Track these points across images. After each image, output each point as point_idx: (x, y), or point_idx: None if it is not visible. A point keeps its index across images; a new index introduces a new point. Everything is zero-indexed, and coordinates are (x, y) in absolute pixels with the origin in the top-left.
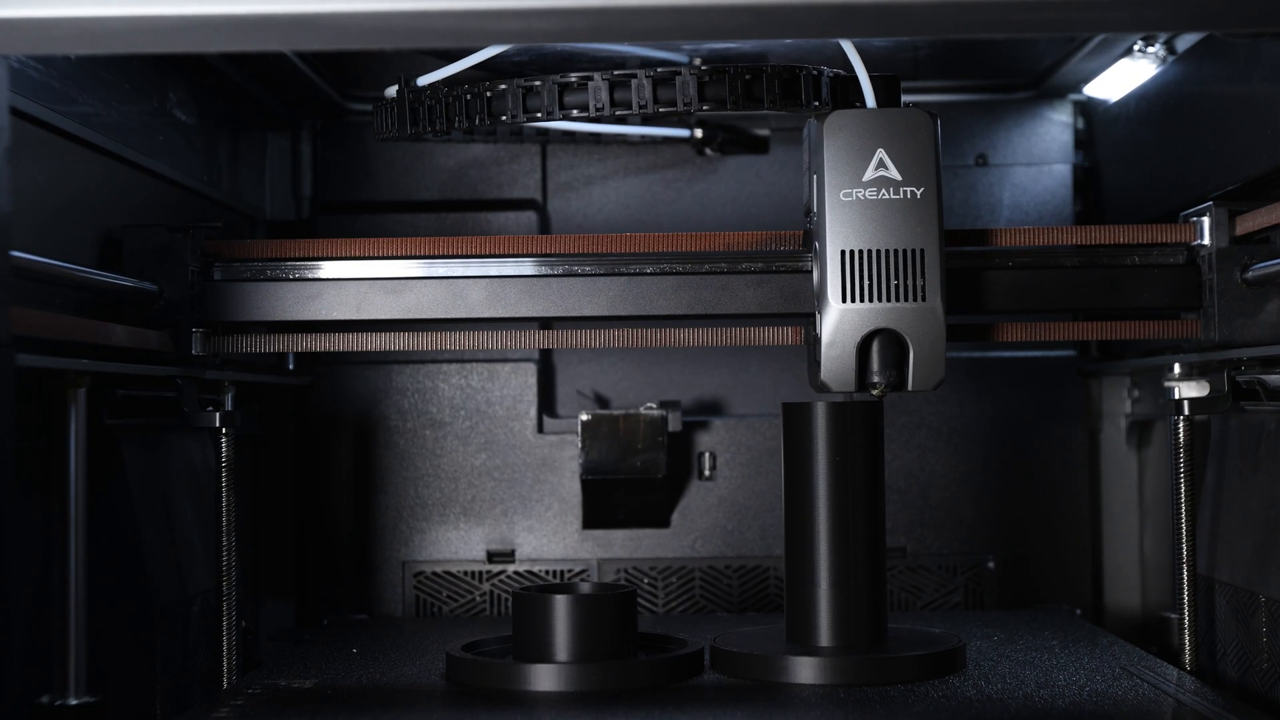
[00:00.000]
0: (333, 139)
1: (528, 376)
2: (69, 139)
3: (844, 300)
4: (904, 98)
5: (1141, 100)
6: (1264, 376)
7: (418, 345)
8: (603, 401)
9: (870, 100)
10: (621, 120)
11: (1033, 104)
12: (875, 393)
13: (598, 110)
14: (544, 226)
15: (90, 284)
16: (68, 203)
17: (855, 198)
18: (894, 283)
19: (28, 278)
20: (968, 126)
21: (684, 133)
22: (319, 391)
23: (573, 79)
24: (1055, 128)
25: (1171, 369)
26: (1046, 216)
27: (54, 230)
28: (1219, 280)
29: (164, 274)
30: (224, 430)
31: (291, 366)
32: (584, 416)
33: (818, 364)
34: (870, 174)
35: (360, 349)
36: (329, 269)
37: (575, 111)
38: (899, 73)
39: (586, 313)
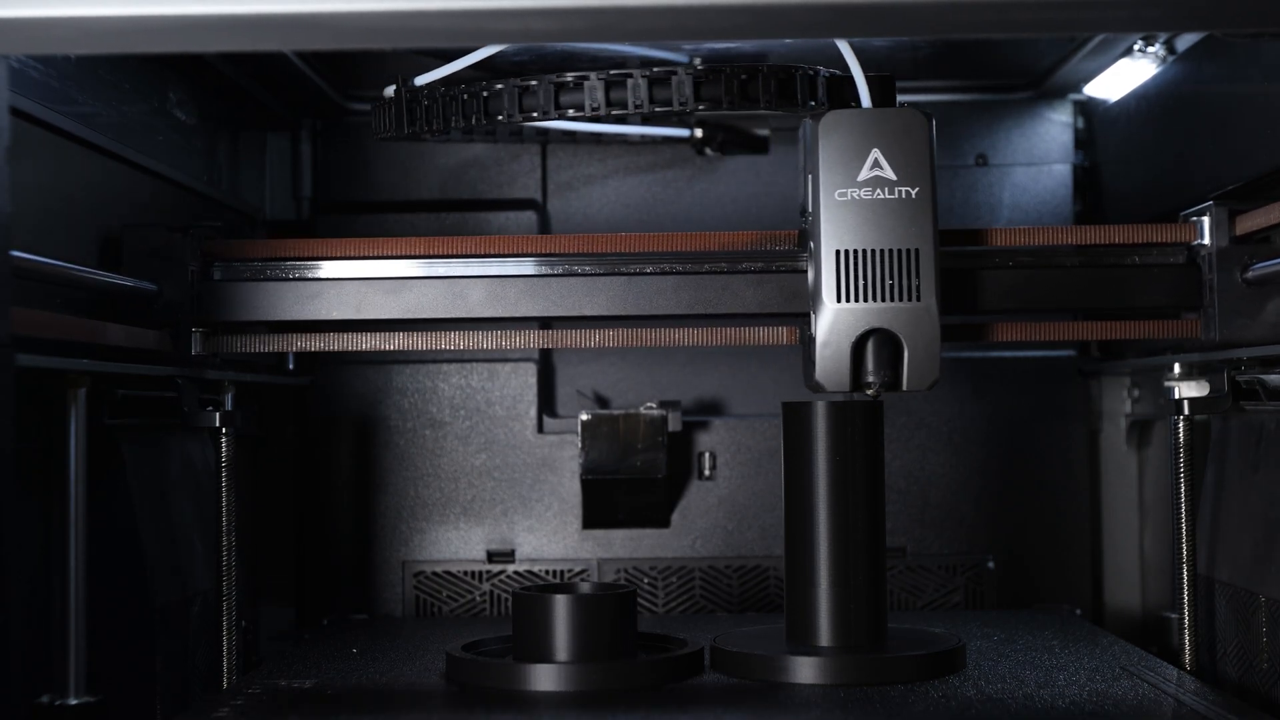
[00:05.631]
0: (333, 139)
1: (528, 376)
2: (69, 139)
3: (839, 300)
4: (903, 98)
5: (1141, 100)
6: (1264, 376)
7: (417, 345)
8: (603, 401)
9: (866, 100)
10: (620, 120)
11: (1033, 104)
12: (870, 393)
13: (594, 110)
14: (544, 226)
15: (89, 284)
16: (68, 203)
17: (850, 197)
18: (889, 282)
19: (27, 277)
20: (968, 126)
21: (684, 133)
22: (319, 391)
23: (569, 79)
24: (1055, 128)
25: (1171, 369)
26: (1046, 216)
27: (54, 230)
28: (1219, 280)
29: (163, 274)
30: (224, 430)
31: (292, 366)
32: (584, 416)
33: (813, 364)
34: (865, 174)
35: (360, 349)
36: (328, 269)
37: (571, 111)
38: (899, 73)
39: (586, 312)
